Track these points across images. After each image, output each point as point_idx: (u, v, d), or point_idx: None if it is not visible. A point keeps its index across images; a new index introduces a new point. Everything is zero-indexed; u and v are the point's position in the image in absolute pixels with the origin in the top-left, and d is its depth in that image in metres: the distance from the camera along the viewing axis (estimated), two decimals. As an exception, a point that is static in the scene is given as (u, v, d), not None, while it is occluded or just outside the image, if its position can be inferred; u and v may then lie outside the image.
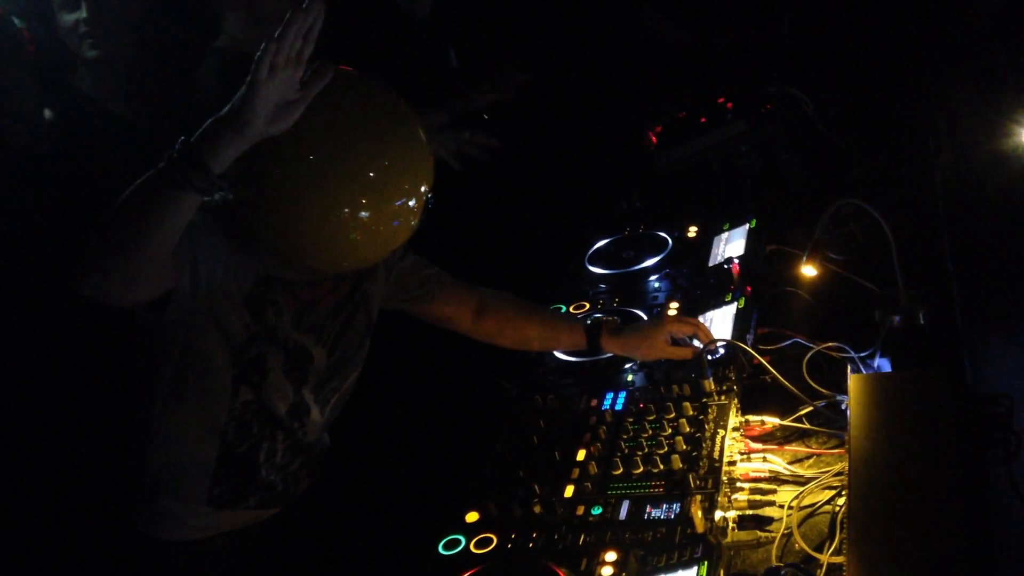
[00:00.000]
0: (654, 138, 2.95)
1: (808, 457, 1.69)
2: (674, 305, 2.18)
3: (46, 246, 2.13)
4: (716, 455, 1.65)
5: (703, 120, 2.87)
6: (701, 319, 2.09)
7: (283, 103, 1.44)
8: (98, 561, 2.08)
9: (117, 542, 1.93)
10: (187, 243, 1.58)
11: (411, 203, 1.64)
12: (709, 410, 1.77)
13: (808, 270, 2.12)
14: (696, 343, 1.94)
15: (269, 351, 1.76)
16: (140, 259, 1.46)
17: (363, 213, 1.59)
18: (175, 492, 1.83)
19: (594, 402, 1.94)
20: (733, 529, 1.57)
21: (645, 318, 2.18)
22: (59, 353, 2.20)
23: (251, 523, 1.91)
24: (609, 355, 2.08)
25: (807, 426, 1.74)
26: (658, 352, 1.98)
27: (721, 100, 2.90)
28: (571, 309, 2.34)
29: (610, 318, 2.09)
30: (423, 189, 1.66)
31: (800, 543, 1.49)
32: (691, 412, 1.79)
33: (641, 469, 1.69)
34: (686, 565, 1.40)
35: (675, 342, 1.97)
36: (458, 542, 1.64)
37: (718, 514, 1.54)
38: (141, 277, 1.50)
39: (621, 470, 1.70)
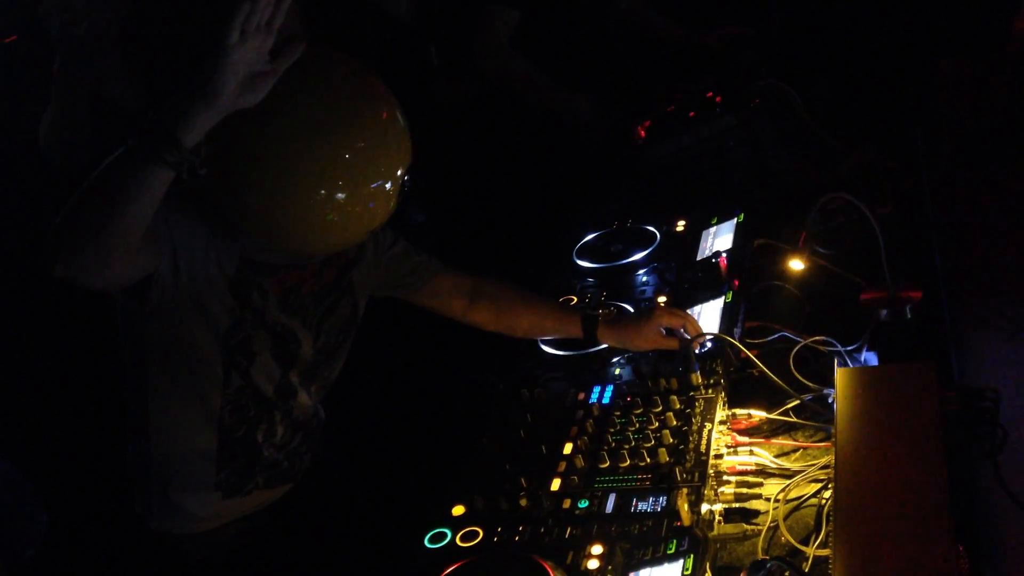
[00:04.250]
0: (642, 132, 2.94)
1: (795, 450, 1.68)
2: (662, 298, 2.17)
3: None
4: (703, 448, 1.65)
5: (691, 114, 2.86)
6: (689, 313, 2.08)
7: (253, 74, 1.42)
8: (113, 560, 2.07)
9: (130, 541, 1.93)
10: (165, 229, 1.57)
11: (388, 185, 1.63)
12: (696, 404, 1.77)
13: (796, 264, 2.12)
14: (685, 335, 1.94)
15: (256, 335, 1.76)
16: (113, 237, 1.42)
17: (339, 195, 1.58)
18: (182, 483, 1.83)
19: (581, 396, 1.93)
20: (719, 522, 1.57)
21: (632, 311, 2.18)
22: (59, 350, 2.19)
23: (260, 507, 1.91)
24: (597, 348, 2.08)
25: (794, 419, 1.74)
26: (649, 343, 1.98)
27: (710, 94, 2.90)
28: (559, 302, 2.33)
29: (606, 309, 2.09)
30: (400, 172, 1.65)
31: (786, 536, 1.49)
32: (678, 406, 1.78)
33: (628, 462, 1.68)
34: (672, 558, 1.39)
35: (665, 333, 1.97)
36: (444, 535, 1.64)
37: (704, 507, 1.53)
38: (115, 257, 1.46)
39: (608, 463, 1.70)
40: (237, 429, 1.81)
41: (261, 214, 1.60)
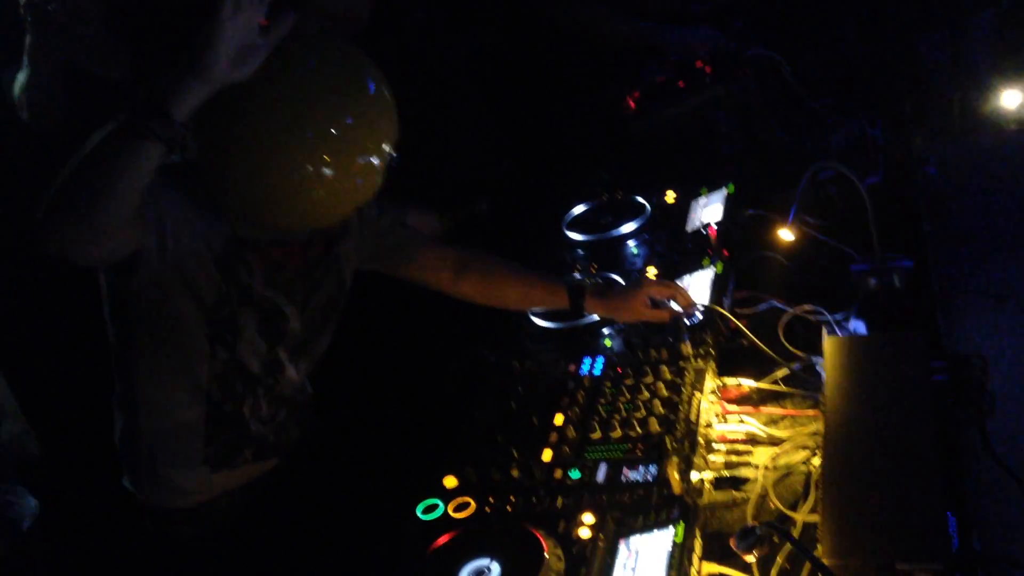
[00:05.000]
0: (632, 103, 2.93)
1: (783, 418, 1.70)
2: (652, 269, 2.18)
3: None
4: (693, 418, 1.66)
5: (681, 84, 2.85)
6: (679, 283, 2.09)
7: (245, 48, 1.41)
8: (103, 536, 2.08)
9: (120, 516, 1.93)
10: (152, 203, 1.56)
11: (374, 160, 1.63)
12: (686, 373, 1.78)
13: (785, 234, 2.13)
14: (674, 306, 1.94)
15: (242, 310, 1.76)
16: (105, 213, 1.42)
17: (326, 170, 1.57)
18: (171, 457, 1.83)
19: (572, 367, 1.94)
20: (709, 490, 1.59)
21: (623, 282, 2.18)
22: (47, 324, 2.18)
23: (249, 481, 1.92)
24: (587, 320, 2.08)
25: (783, 388, 1.75)
26: (638, 314, 1.98)
27: (699, 64, 2.89)
28: (549, 275, 2.34)
29: (593, 280, 2.09)
30: (386, 147, 1.64)
31: (775, 503, 1.50)
32: (668, 376, 1.79)
33: (618, 432, 1.69)
34: (663, 526, 1.40)
35: (654, 304, 1.97)
36: (436, 506, 1.65)
37: (694, 475, 1.55)
38: (106, 233, 1.46)
39: (599, 434, 1.70)
40: (225, 404, 1.82)
41: (248, 190, 1.59)
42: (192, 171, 1.60)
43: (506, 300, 2.13)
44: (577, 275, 2.17)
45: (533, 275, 2.15)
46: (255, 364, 1.83)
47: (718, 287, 2.02)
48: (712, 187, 2.44)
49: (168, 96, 1.38)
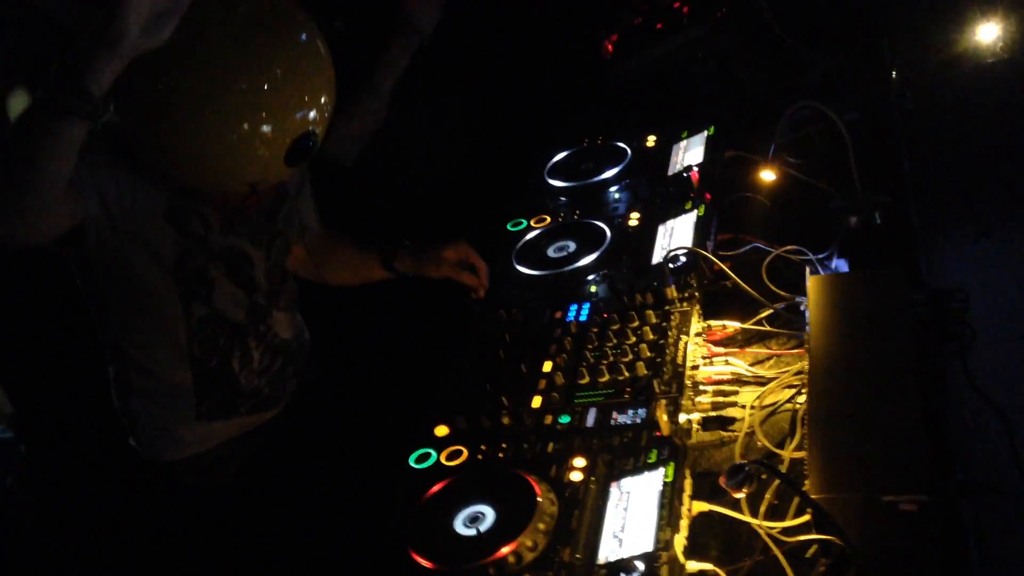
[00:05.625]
0: (610, 47, 2.91)
1: (769, 358, 1.72)
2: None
3: None
4: (679, 360, 1.68)
5: (659, 26, 2.83)
6: (662, 228, 2.09)
7: (156, 14, 1.36)
8: (106, 490, 2.09)
9: (121, 468, 1.95)
10: (88, 173, 1.54)
11: (312, 114, 1.60)
12: (672, 317, 1.80)
13: (767, 175, 2.13)
14: (466, 277, 2.01)
15: (207, 263, 1.75)
16: (35, 196, 1.40)
17: (264, 127, 1.54)
18: (166, 415, 1.85)
19: (558, 314, 1.95)
20: (697, 430, 1.61)
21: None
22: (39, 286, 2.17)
23: (247, 430, 1.93)
24: (571, 268, 2.08)
25: (767, 328, 1.77)
26: (443, 271, 2.03)
27: (676, 5, 2.87)
28: (532, 223, 2.34)
29: (404, 242, 2.12)
30: (324, 99, 1.61)
31: (762, 441, 1.53)
32: (654, 320, 1.81)
33: (607, 377, 1.71)
34: (653, 467, 1.43)
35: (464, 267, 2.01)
36: (429, 455, 1.67)
37: (683, 417, 1.57)
38: (40, 214, 1.44)
39: (587, 379, 1.72)
40: (210, 360, 1.82)
41: (185, 156, 1.56)
42: (123, 139, 1.58)
43: (338, 276, 2.15)
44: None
45: (354, 246, 2.15)
46: (239, 313, 1.82)
47: (701, 230, 2.03)
48: (693, 130, 2.44)
49: (83, 71, 1.34)
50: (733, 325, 1.80)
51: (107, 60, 1.35)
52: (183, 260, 1.71)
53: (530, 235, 2.27)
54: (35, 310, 2.30)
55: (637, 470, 1.45)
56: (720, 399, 1.64)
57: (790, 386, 1.62)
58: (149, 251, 1.67)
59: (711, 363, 1.73)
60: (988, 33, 2.83)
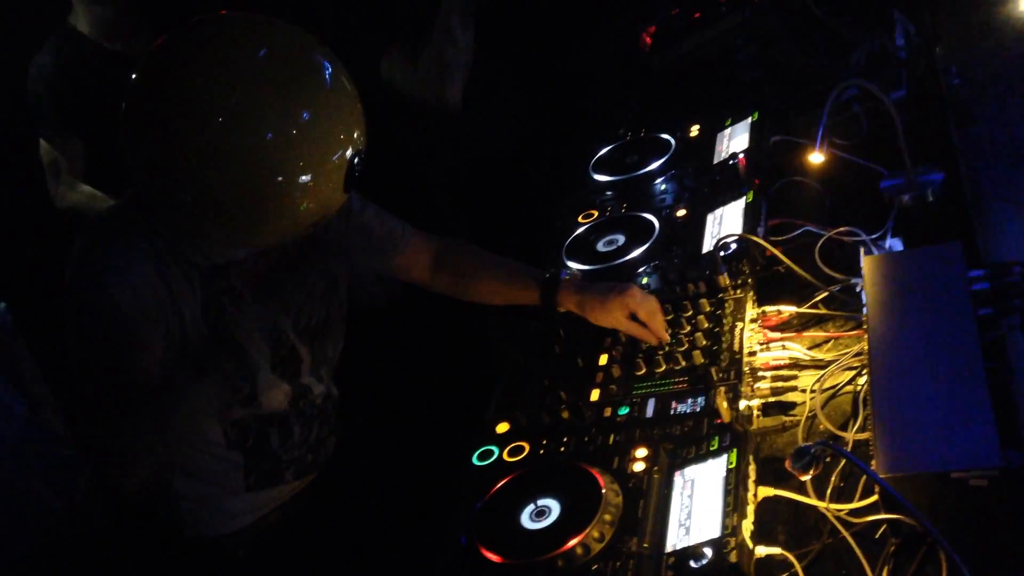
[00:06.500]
0: (648, 39, 2.91)
1: (826, 341, 1.71)
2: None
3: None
4: (736, 347, 1.68)
5: (697, 16, 2.83)
6: (711, 216, 2.09)
7: None
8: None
9: (165, 550, 1.91)
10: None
11: (355, 133, 1.54)
12: (726, 304, 1.80)
13: (815, 157, 2.11)
14: (643, 332, 1.80)
15: (244, 351, 1.69)
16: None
17: (302, 177, 1.47)
18: (214, 489, 1.83)
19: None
20: (758, 416, 1.61)
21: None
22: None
23: (297, 492, 1.92)
24: (621, 261, 2.08)
25: (824, 311, 1.76)
26: (613, 321, 1.82)
27: (713, -7, 2.86)
28: (580, 218, 2.35)
29: (571, 273, 2.01)
30: (357, 135, 1.54)
31: (825, 424, 1.52)
32: (708, 308, 1.81)
33: (663, 367, 1.72)
34: (716, 454, 1.43)
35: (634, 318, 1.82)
36: (491, 452, 1.68)
37: (743, 403, 1.57)
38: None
39: (644, 370, 1.73)
40: (245, 442, 1.81)
41: (236, 224, 1.51)
42: (161, 220, 1.59)
43: (479, 296, 2.04)
44: (565, 273, 2.00)
45: (505, 270, 2.01)
46: (283, 403, 1.81)
47: (751, 216, 2.03)
48: (736, 117, 2.43)
49: None
50: (788, 310, 1.79)
51: None
52: (220, 364, 1.65)
53: (579, 230, 2.28)
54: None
55: (700, 458, 1.45)
56: (779, 384, 1.64)
57: (849, 368, 1.61)
58: (195, 365, 1.63)
59: (768, 349, 1.72)
60: (1032, 1, 2.78)
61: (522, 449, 1.67)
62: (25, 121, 2.40)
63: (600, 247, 2.18)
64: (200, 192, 1.46)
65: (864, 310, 1.58)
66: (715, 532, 1.29)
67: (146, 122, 1.47)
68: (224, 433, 1.78)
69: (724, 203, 2.11)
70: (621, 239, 2.17)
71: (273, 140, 1.44)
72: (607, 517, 1.40)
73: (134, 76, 1.49)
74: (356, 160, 1.54)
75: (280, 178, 1.46)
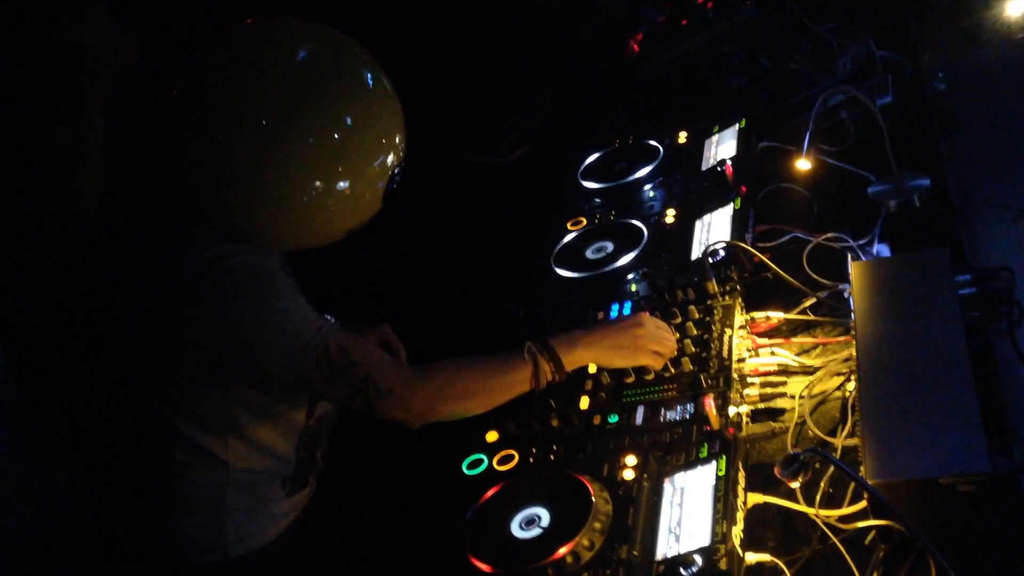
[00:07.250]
0: (635, 46, 2.92)
1: (815, 347, 1.71)
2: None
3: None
4: (725, 354, 1.68)
5: (684, 23, 2.84)
6: (699, 223, 2.09)
7: None
8: None
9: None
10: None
11: (389, 159, 1.54)
12: (715, 311, 1.80)
13: (802, 164, 2.12)
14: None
15: None
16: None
17: (340, 183, 1.48)
18: (260, 500, 1.80)
19: (600, 315, 1.96)
20: (747, 423, 1.61)
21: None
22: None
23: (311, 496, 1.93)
24: (611, 267, 2.09)
25: (812, 317, 1.76)
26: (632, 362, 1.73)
27: (700, 1, 2.87)
28: (568, 225, 2.35)
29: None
30: (398, 139, 1.55)
31: (814, 430, 1.53)
32: (697, 315, 1.81)
33: (652, 375, 1.71)
34: (705, 461, 1.43)
35: None
36: (481, 461, 1.68)
37: (732, 410, 1.57)
38: None
39: (633, 378, 1.73)
40: (301, 451, 1.82)
41: (275, 226, 1.52)
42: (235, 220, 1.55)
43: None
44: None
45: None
46: (325, 405, 1.83)
47: (739, 223, 2.03)
48: (724, 124, 2.44)
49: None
50: (777, 316, 1.79)
51: None
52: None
53: (568, 237, 2.28)
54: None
55: (689, 465, 1.45)
56: (768, 390, 1.64)
57: (838, 374, 1.61)
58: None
59: (757, 355, 1.72)
60: (1017, 7, 2.80)
61: (512, 458, 1.67)
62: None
63: (589, 254, 2.18)
64: (243, 194, 1.47)
65: (852, 316, 1.58)
66: (705, 539, 1.29)
67: (189, 127, 1.47)
68: (297, 445, 1.78)
69: (712, 210, 2.11)
70: (610, 246, 2.17)
71: (315, 144, 1.45)
72: (597, 525, 1.40)
73: (176, 82, 1.49)
74: (397, 170, 1.54)
75: (319, 183, 1.46)
